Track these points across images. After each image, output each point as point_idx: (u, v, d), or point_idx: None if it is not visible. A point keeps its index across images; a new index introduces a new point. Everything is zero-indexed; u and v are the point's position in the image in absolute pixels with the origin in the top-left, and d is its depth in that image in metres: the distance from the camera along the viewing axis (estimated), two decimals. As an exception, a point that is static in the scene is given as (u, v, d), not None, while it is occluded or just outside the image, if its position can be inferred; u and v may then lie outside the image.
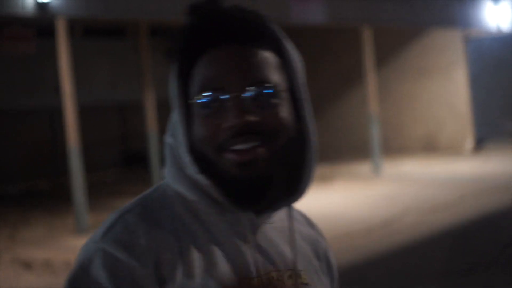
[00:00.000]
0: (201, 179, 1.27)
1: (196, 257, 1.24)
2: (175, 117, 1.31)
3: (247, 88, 1.24)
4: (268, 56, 1.29)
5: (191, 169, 1.28)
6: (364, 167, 17.39)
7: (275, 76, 1.28)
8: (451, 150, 19.38)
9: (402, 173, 16.16)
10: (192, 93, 1.28)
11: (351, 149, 20.48)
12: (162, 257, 1.22)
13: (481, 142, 19.60)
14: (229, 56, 1.26)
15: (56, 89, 12.84)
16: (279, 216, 1.38)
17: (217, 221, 1.29)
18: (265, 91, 1.25)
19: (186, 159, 1.28)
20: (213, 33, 1.27)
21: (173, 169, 1.32)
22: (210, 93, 1.25)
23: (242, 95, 1.24)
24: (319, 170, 15.52)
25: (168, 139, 1.33)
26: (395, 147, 19.84)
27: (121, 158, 20.69)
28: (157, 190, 1.34)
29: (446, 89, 19.81)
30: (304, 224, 1.51)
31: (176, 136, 1.31)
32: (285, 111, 1.28)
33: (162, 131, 17.50)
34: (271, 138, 1.26)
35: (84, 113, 14.60)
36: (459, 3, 18.18)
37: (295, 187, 1.36)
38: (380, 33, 18.61)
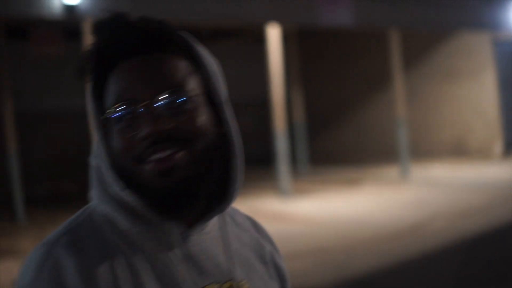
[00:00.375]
0: (126, 195, 1.23)
1: (127, 281, 1.20)
2: (96, 136, 1.29)
3: (158, 96, 1.21)
4: (179, 63, 1.26)
5: (115, 187, 1.24)
6: (391, 171, 17.27)
7: (189, 82, 1.25)
8: (480, 154, 19.18)
9: (430, 177, 16.01)
10: (107, 109, 1.26)
11: (378, 153, 20.35)
12: None
13: (510, 146, 19.37)
14: (136, 67, 1.24)
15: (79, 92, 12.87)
16: (215, 225, 1.35)
17: (145, 239, 1.25)
18: (177, 97, 1.22)
19: (110, 177, 1.25)
20: (119, 47, 1.25)
21: (98, 189, 1.28)
22: (121, 106, 1.22)
23: (154, 103, 1.21)
24: (346, 173, 15.51)
25: (92, 160, 1.31)
26: (423, 151, 19.67)
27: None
28: (83, 214, 1.29)
29: (475, 93, 19.61)
30: (246, 229, 1.46)
31: (99, 155, 1.28)
32: (201, 116, 1.25)
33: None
34: (188, 144, 1.23)
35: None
36: (488, 6, 17.99)
37: (224, 193, 1.32)
38: (408, 36, 18.48)
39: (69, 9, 10.80)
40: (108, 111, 1.24)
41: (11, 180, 13.23)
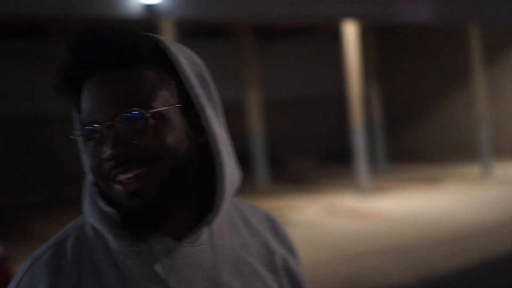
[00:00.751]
0: (108, 209, 1.23)
1: None
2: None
3: (120, 115, 1.18)
4: (147, 76, 1.22)
5: (100, 201, 1.25)
6: (473, 169, 16.91)
7: (157, 95, 1.21)
8: None
9: (514, 175, 15.60)
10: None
11: (458, 150, 19.96)
12: None
13: None
14: (100, 85, 1.21)
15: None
16: (215, 234, 1.31)
17: (128, 254, 1.23)
18: (140, 115, 1.18)
19: (94, 190, 1.26)
20: (86, 63, 1.22)
21: (88, 201, 1.27)
22: (85, 127, 1.21)
23: (115, 124, 1.18)
24: (426, 171, 15.21)
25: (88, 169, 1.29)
26: (507, 149, 19.17)
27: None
28: (75, 226, 1.29)
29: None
30: (257, 233, 1.41)
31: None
32: (170, 132, 1.21)
33: (266, 131, 17.44)
34: (154, 162, 1.19)
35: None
36: None
37: (212, 203, 1.29)
38: (489, 30, 18.05)
39: (149, 8, 10.94)
40: (75, 131, 1.26)
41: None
